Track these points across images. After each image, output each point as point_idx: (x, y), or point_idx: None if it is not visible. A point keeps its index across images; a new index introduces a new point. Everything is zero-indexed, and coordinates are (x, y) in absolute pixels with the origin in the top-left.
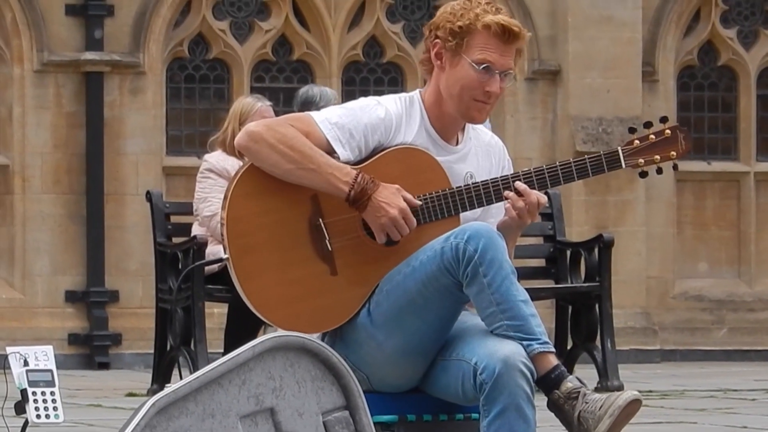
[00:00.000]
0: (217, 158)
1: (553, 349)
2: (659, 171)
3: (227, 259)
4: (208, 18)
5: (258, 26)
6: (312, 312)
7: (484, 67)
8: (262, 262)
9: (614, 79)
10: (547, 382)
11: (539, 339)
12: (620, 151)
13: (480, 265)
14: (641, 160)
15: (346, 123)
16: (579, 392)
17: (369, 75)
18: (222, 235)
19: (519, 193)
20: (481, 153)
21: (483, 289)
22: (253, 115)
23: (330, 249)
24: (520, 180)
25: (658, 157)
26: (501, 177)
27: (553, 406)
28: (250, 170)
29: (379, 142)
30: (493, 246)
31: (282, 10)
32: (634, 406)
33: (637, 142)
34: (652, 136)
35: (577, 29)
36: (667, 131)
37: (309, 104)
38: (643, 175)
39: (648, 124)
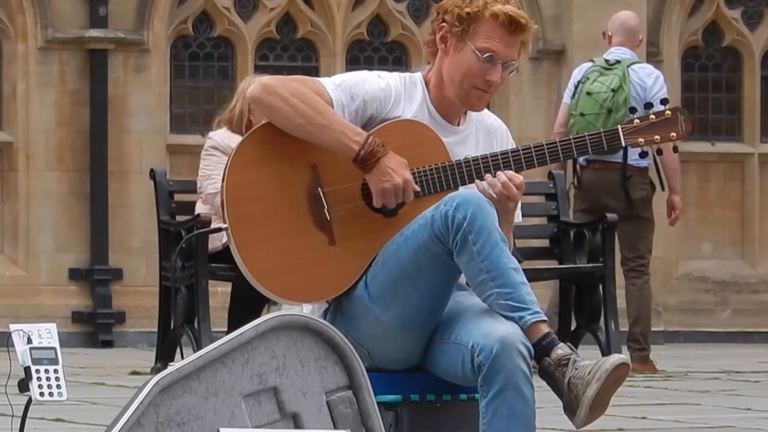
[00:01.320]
0: (221, 136)
1: (545, 318)
2: (659, 152)
3: (227, 228)
4: None
5: (262, 4)
6: (309, 281)
7: (487, 56)
8: (260, 230)
9: None
10: (539, 350)
11: (529, 309)
12: (620, 129)
13: (469, 233)
14: (641, 139)
15: (347, 88)
16: (569, 359)
17: (373, 54)
18: (221, 203)
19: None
20: (482, 136)
21: (473, 257)
22: None
23: (328, 218)
24: (520, 156)
25: (657, 137)
26: (501, 152)
27: (544, 373)
28: (251, 138)
29: (374, 113)
30: (483, 213)
31: None
32: (621, 369)
33: (637, 121)
34: (653, 116)
35: (581, 9)
36: (668, 112)
37: None
38: (643, 155)
39: (648, 105)
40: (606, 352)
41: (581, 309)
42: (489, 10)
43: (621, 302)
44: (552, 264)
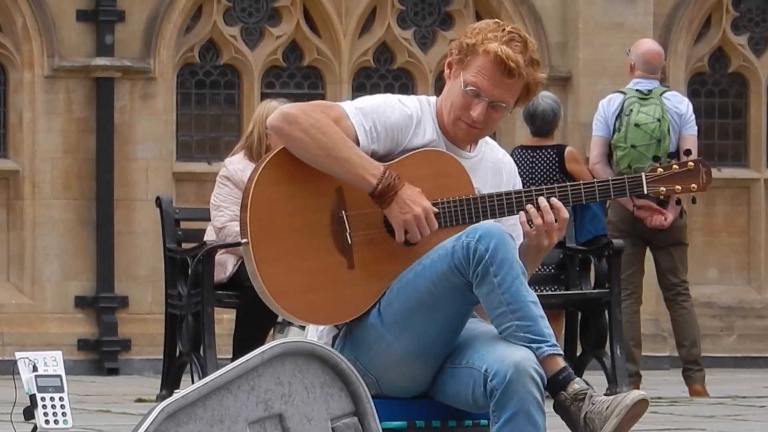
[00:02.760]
0: (236, 167)
1: (561, 352)
2: (678, 202)
3: (246, 242)
4: (219, 24)
5: (269, 32)
6: (325, 303)
7: (470, 89)
8: (281, 247)
9: (624, 86)
10: (555, 384)
11: (548, 341)
12: (644, 177)
13: (491, 265)
14: (663, 189)
15: (371, 113)
16: (586, 394)
17: (380, 81)
18: (241, 220)
19: (539, 209)
20: (491, 168)
21: (493, 289)
22: None
23: (350, 242)
24: (543, 195)
25: (679, 187)
26: (525, 190)
27: (559, 407)
28: (279, 156)
29: (398, 140)
30: (504, 246)
31: (293, 16)
32: (641, 406)
33: (660, 170)
34: (676, 167)
35: (587, 35)
36: (690, 163)
37: None
38: (662, 203)
39: (672, 155)
40: (611, 378)
41: (587, 335)
42: (484, 46)
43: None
44: (558, 290)
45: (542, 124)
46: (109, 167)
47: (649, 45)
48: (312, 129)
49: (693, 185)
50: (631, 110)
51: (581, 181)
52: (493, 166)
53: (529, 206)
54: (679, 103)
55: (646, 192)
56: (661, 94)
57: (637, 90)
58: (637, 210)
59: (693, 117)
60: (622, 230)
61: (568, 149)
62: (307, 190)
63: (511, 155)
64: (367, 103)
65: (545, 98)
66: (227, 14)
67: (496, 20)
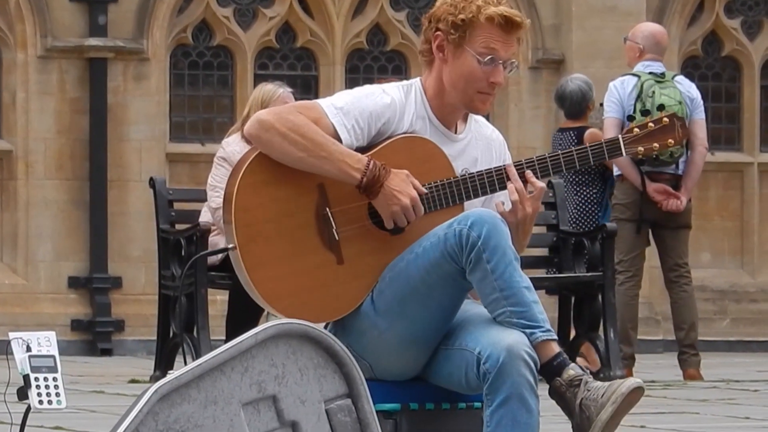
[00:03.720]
0: (233, 148)
1: (556, 337)
2: (656, 158)
3: (234, 248)
4: (212, 5)
5: (262, 13)
6: (318, 302)
7: (489, 59)
8: (270, 251)
9: (618, 69)
10: (550, 370)
11: (542, 326)
12: (621, 139)
13: (483, 251)
14: (641, 148)
15: (352, 109)
16: (581, 380)
17: (373, 63)
18: (225, 225)
19: (524, 181)
20: (481, 145)
21: (486, 276)
22: (275, 101)
23: (337, 238)
24: (523, 168)
25: (656, 144)
26: (506, 166)
27: (554, 393)
28: (257, 160)
29: (381, 130)
30: (497, 232)
31: None
32: (636, 393)
33: (636, 130)
34: (651, 125)
35: (581, 18)
36: (665, 119)
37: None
38: (641, 162)
39: (645, 112)
40: (605, 360)
41: (580, 318)
42: (483, 14)
43: (634, 310)
44: (551, 273)
45: (571, 105)
46: (103, 148)
47: (653, 27)
48: (290, 133)
49: (670, 140)
50: (653, 92)
51: (559, 151)
52: (483, 143)
53: (507, 183)
54: (690, 88)
55: (624, 154)
56: (672, 78)
57: (650, 73)
58: (652, 192)
59: (702, 102)
60: (630, 212)
61: (588, 131)
62: (289, 191)
63: (552, 138)
64: (347, 99)
65: (575, 79)
66: None
67: None
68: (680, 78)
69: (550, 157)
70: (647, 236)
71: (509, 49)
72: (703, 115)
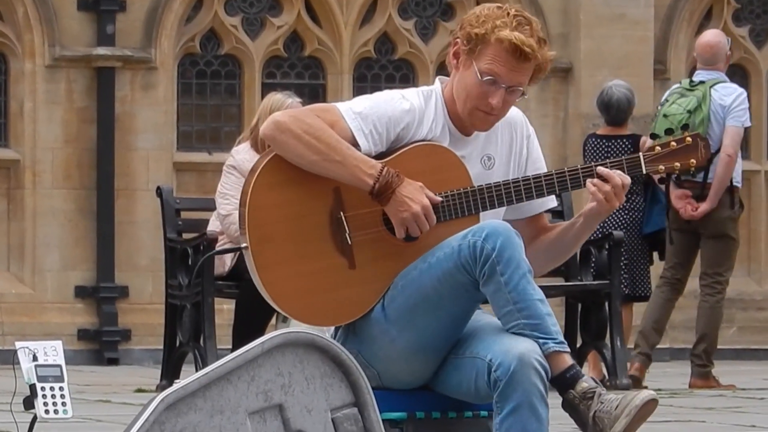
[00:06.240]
0: (243, 157)
1: (568, 349)
2: (678, 178)
3: (246, 247)
4: (220, 14)
5: (270, 22)
6: (328, 305)
7: (488, 79)
8: (281, 252)
9: (626, 77)
10: (562, 382)
11: (555, 338)
12: (641, 157)
13: (497, 264)
14: (661, 167)
15: (370, 114)
16: (594, 392)
17: (380, 71)
18: (241, 221)
19: (603, 179)
20: (500, 128)
21: (500, 288)
22: None
23: (349, 243)
24: (541, 182)
25: (678, 164)
26: (522, 178)
27: (567, 406)
28: (274, 160)
29: (400, 135)
30: (511, 244)
31: (294, 6)
32: (650, 405)
33: (658, 148)
34: (674, 143)
35: (589, 27)
36: (688, 139)
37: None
38: (662, 180)
39: (669, 131)
40: (611, 369)
41: (587, 326)
42: (496, 34)
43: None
44: (558, 281)
45: (617, 113)
46: (110, 157)
47: (702, 37)
48: (305, 135)
49: (692, 160)
50: (667, 101)
51: (578, 165)
52: (507, 126)
53: (592, 180)
54: (725, 95)
55: (644, 172)
56: (712, 86)
57: (690, 81)
58: (674, 199)
59: (740, 108)
60: (679, 223)
61: (643, 138)
62: (304, 193)
63: (585, 144)
64: (366, 104)
65: (618, 87)
66: (228, 4)
67: (498, 5)
68: (722, 86)
69: (569, 171)
70: (695, 247)
71: (516, 75)
72: (736, 122)
